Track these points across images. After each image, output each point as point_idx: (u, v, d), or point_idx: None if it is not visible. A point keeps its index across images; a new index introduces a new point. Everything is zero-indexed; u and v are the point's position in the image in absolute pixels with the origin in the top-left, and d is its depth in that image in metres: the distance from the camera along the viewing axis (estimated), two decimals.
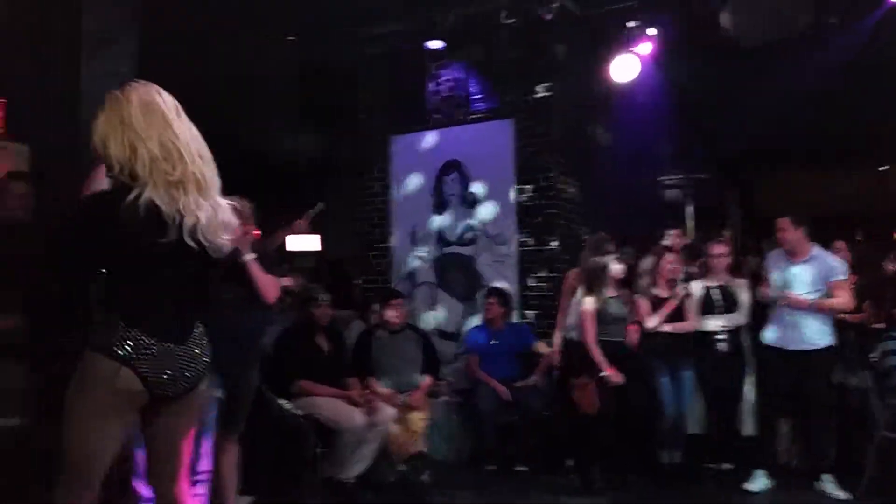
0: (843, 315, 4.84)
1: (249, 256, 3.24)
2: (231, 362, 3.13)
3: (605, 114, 6.77)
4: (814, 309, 4.47)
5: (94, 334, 2.00)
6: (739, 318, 4.94)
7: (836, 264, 4.57)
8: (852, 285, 4.82)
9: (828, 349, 4.50)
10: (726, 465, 4.92)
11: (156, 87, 2.12)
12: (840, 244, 5.36)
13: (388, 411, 4.66)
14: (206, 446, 3.03)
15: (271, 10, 5.87)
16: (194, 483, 2.94)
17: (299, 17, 6.14)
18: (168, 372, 2.01)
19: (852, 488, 4.32)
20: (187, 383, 2.08)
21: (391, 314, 5.24)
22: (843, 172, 7.98)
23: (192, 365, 2.07)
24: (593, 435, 4.68)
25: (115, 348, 1.95)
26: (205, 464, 3.00)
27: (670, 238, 5.79)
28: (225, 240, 2.09)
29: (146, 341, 1.98)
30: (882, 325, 4.81)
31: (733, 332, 4.92)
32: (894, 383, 4.33)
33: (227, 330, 3.04)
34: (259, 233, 3.34)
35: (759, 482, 4.53)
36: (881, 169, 8.14)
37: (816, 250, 4.60)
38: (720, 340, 4.91)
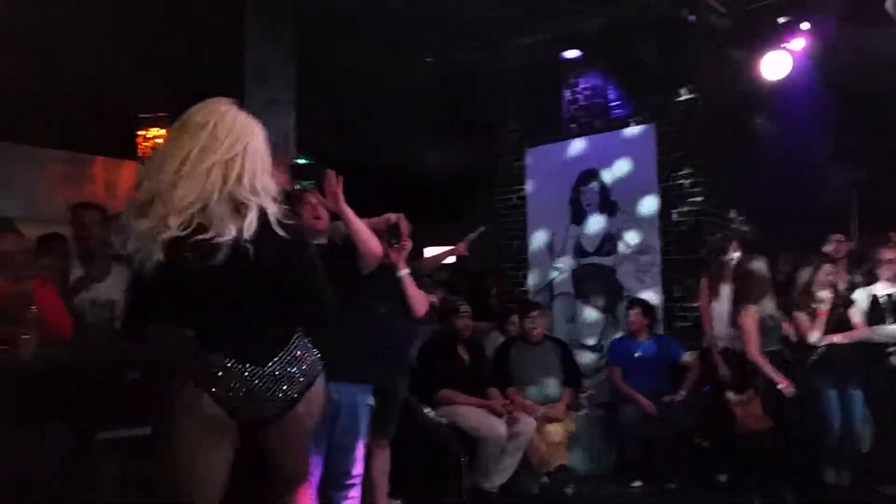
0: None
1: (405, 272, 3.37)
2: (383, 372, 3.28)
3: (756, 113, 6.45)
4: None
5: (177, 358, 1.95)
6: None
7: None
8: None
9: None
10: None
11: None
12: None
13: (529, 422, 4.67)
14: (360, 451, 3.17)
15: (411, 27, 6.09)
16: (348, 486, 3.09)
17: (438, 32, 6.33)
18: (243, 392, 1.91)
19: None
20: (278, 404, 1.97)
21: (530, 325, 5.25)
22: None
23: (279, 385, 1.96)
24: (752, 451, 4.43)
25: (198, 372, 1.90)
26: (358, 468, 3.15)
27: (831, 244, 5.42)
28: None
29: (224, 363, 1.91)
30: None
31: None
32: None
33: (379, 342, 3.21)
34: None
35: None
36: None
37: None
38: (892, 353, 4.52)
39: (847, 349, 4.55)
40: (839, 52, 5.98)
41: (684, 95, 6.21)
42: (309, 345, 2.06)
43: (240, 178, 1.90)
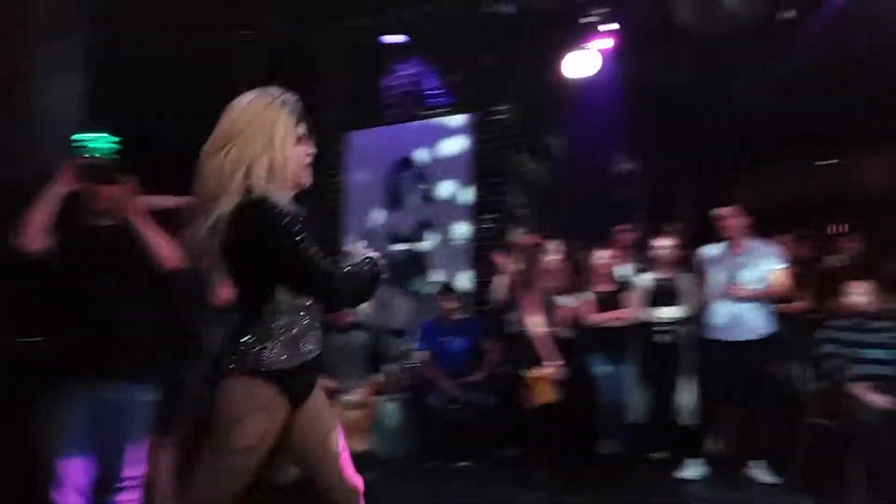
0: (782, 306, 4.99)
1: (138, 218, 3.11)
2: (166, 368, 3.18)
3: (563, 110, 6.81)
4: (756, 298, 4.58)
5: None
6: (683, 310, 5.05)
7: (775, 254, 4.69)
8: (792, 276, 4.99)
9: (772, 337, 4.63)
10: (663, 454, 5.04)
11: None
12: (784, 237, 5.49)
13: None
14: (136, 453, 3.06)
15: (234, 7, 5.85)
16: (121, 490, 2.98)
17: (263, 13, 6.14)
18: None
19: (781, 474, 4.46)
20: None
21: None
22: (789, 167, 8.15)
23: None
24: (537, 427, 4.79)
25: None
26: (133, 470, 3.04)
27: (617, 233, 5.91)
28: None
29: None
30: (819, 316, 4.93)
31: (676, 324, 5.04)
32: (826, 370, 4.45)
33: (163, 333, 3.11)
34: None
35: (693, 470, 4.65)
36: (825, 163, 8.29)
37: (756, 241, 4.72)
38: (663, 332, 5.03)
39: (622, 329, 5.02)
40: (642, 54, 6.46)
41: (501, 89, 6.44)
42: (237, 347, 2.01)
43: (244, 167, 1.94)
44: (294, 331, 2.01)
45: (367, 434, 4.91)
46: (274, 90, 2.06)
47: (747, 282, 4.61)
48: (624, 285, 5.19)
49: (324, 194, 7.02)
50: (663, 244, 5.24)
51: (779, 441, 4.71)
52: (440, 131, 6.67)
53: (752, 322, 4.60)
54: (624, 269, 5.48)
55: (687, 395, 5.03)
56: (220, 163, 1.94)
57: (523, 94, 6.48)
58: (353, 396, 5.01)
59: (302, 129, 2.06)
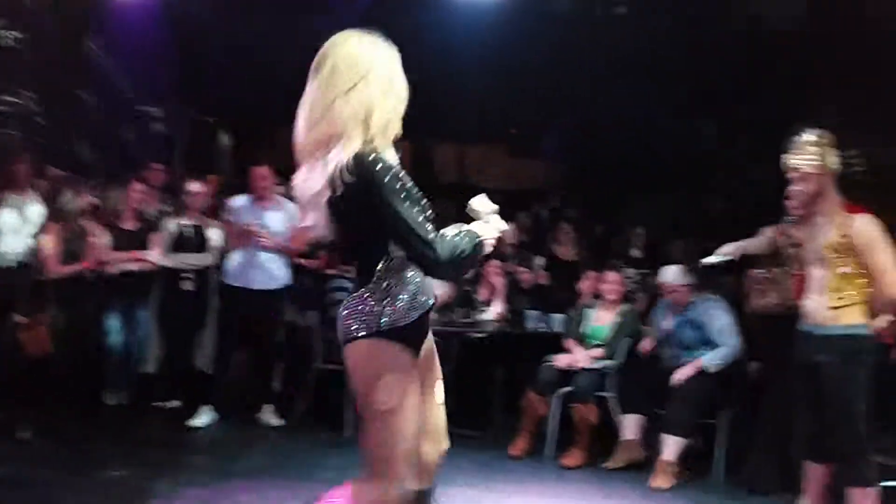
0: (301, 260, 5.29)
1: None
2: None
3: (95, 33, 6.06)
4: (276, 250, 4.72)
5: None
6: (208, 257, 4.96)
7: (295, 211, 4.89)
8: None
9: (283, 289, 4.83)
10: (176, 403, 4.91)
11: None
12: None
13: None
14: None
15: None
16: None
17: None
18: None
19: (289, 416, 4.74)
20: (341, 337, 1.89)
21: None
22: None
23: (342, 321, 1.87)
24: (43, 377, 4.16)
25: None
26: None
27: (150, 172, 5.53)
28: None
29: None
30: (334, 272, 5.37)
31: (201, 272, 4.93)
32: (334, 315, 4.85)
33: None
34: None
35: (204, 417, 4.63)
36: None
37: (280, 197, 4.88)
38: (186, 279, 4.88)
39: (142, 274, 4.70)
40: None
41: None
42: (364, 305, 1.82)
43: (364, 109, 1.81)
44: (411, 285, 1.85)
45: None
46: (376, 34, 1.89)
47: (271, 234, 4.74)
48: (153, 225, 4.86)
49: None
50: (195, 190, 5.08)
51: (288, 385, 5.01)
52: None
53: (269, 272, 4.74)
54: (151, 210, 5.15)
55: (206, 343, 4.98)
56: (344, 105, 1.80)
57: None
58: None
59: None
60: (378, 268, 1.83)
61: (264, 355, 4.85)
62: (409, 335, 1.85)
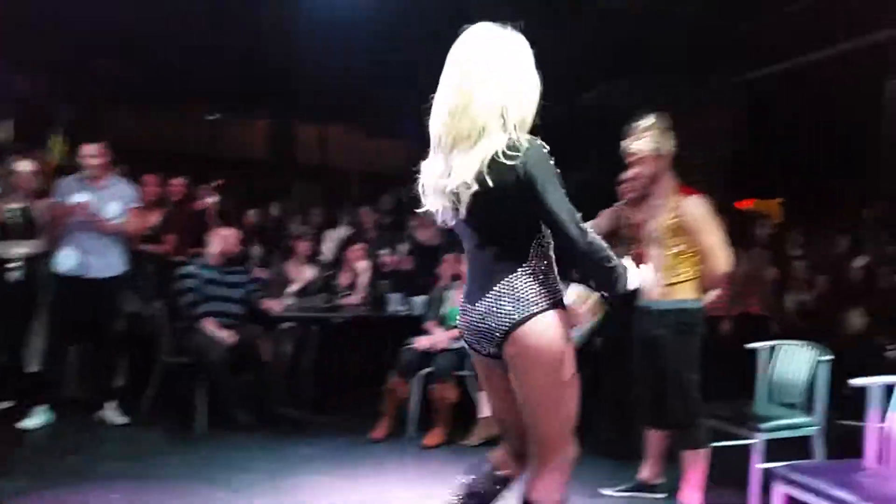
0: (144, 247, 4.98)
1: None
2: None
3: None
4: (111, 233, 4.38)
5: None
6: (37, 245, 4.54)
7: (132, 192, 4.58)
8: (159, 219, 5.02)
9: (122, 277, 4.50)
10: (7, 404, 4.49)
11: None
12: (150, 178, 5.48)
13: None
14: None
15: None
16: None
17: None
18: (467, 326, 2.05)
19: (134, 413, 4.46)
20: (490, 339, 1.98)
21: None
22: (173, 116, 8.32)
23: (486, 321, 1.96)
24: None
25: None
26: None
27: None
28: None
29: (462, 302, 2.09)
30: (183, 258, 5.09)
31: (29, 260, 4.50)
32: (181, 306, 4.60)
33: None
34: None
35: (38, 418, 4.25)
36: (210, 118, 8.76)
37: (115, 178, 4.55)
38: (14, 269, 4.45)
39: None
40: None
41: None
42: (532, 282, 1.93)
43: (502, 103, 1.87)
44: (553, 265, 1.99)
45: None
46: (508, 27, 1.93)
47: (105, 217, 4.39)
48: None
49: None
50: (24, 168, 4.63)
51: (131, 380, 4.71)
52: None
53: (106, 259, 4.40)
54: None
55: (36, 338, 4.57)
56: (484, 99, 1.86)
57: None
58: None
59: None
60: (530, 250, 1.93)
61: (104, 349, 4.50)
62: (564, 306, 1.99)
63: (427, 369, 4.48)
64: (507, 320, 1.90)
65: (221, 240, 4.80)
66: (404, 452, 4.21)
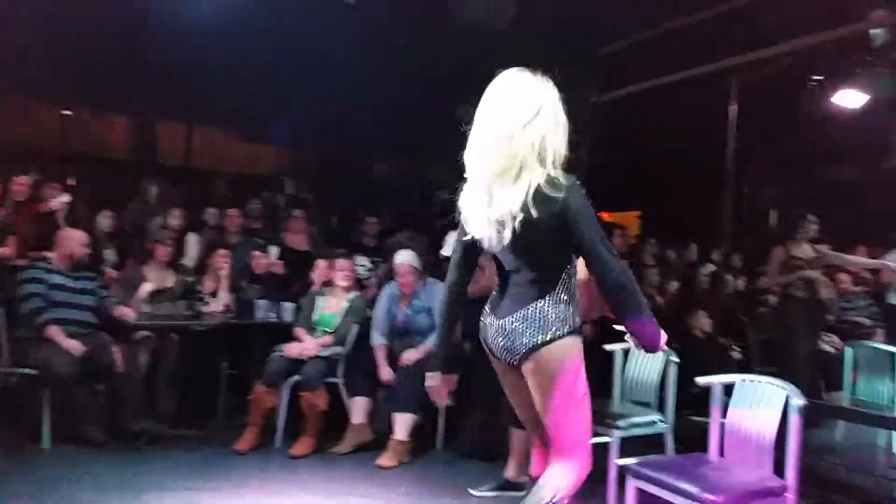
0: None
1: None
2: None
3: None
4: None
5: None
6: None
7: None
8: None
9: None
10: None
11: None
12: None
13: None
14: None
15: None
16: None
17: None
18: (493, 340, 2.23)
19: None
20: (515, 354, 2.16)
21: None
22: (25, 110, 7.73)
23: (513, 338, 2.15)
24: None
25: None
26: None
27: None
28: None
29: (486, 317, 2.27)
30: (25, 262, 4.68)
31: None
32: (24, 313, 4.23)
33: None
34: None
35: None
36: (64, 112, 8.17)
37: None
38: None
39: None
40: None
41: None
42: (557, 309, 2.13)
43: (539, 143, 2.06)
44: (575, 293, 2.19)
45: None
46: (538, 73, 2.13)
47: None
48: None
49: None
50: None
51: None
52: None
53: None
54: None
55: None
56: (522, 139, 2.04)
57: None
58: None
59: None
60: (560, 280, 2.13)
61: None
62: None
63: (296, 377, 4.37)
64: (530, 342, 2.11)
65: (68, 242, 4.47)
66: (270, 464, 4.07)
